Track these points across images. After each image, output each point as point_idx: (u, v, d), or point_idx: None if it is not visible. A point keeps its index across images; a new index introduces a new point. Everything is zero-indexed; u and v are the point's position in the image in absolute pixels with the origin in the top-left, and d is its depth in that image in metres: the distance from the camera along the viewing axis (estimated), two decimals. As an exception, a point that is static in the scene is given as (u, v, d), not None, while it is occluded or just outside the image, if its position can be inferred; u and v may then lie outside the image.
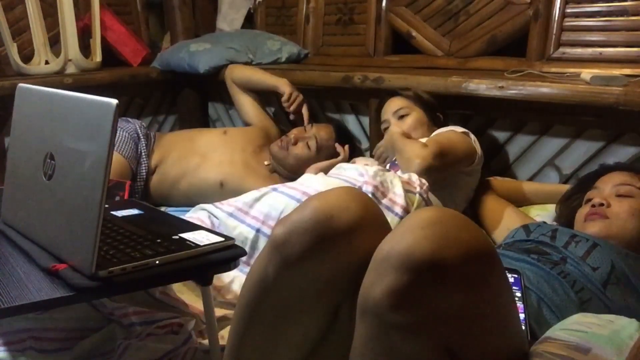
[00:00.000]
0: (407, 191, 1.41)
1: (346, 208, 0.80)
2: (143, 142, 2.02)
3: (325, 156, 1.92)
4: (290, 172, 1.92)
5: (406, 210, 1.38)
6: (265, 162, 2.01)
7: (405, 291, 0.67)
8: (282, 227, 0.82)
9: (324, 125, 2.02)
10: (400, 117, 1.75)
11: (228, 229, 1.40)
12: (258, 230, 1.39)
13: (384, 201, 1.38)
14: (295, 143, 1.92)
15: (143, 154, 2.00)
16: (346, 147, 1.95)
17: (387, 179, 1.42)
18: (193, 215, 1.49)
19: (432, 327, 0.69)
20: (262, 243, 1.37)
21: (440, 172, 1.51)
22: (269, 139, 2.10)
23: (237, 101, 2.26)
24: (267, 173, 1.98)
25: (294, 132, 1.97)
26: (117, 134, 1.93)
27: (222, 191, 1.91)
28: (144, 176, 1.99)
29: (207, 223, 1.44)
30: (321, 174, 1.56)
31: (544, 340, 0.81)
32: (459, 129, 1.66)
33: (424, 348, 0.71)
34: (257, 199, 1.45)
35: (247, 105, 2.21)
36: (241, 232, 1.39)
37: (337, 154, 1.92)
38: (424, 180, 1.46)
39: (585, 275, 1.06)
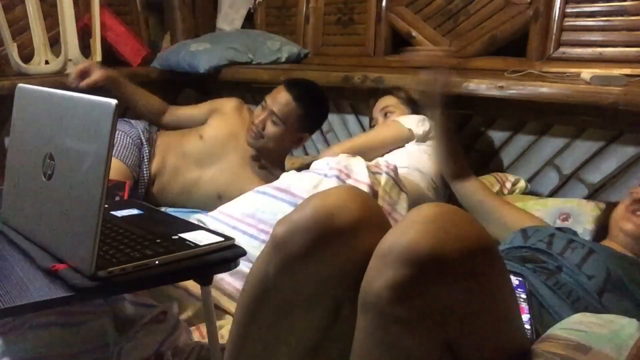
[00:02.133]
0: (374, 173, 1.44)
1: (346, 207, 0.80)
2: (146, 148, 1.96)
3: (297, 120, 1.81)
4: (275, 154, 1.89)
5: (372, 189, 1.41)
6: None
7: (406, 285, 0.68)
8: (282, 226, 0.82)
9: (275, 92, 1.84)
10: (385, 115, 1.83)
11: None
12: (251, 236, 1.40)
13: (349, 182, 1.41)
14: (264, 128, 1.81)
15: (145, 159, 1.95)
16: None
17: (350, 162, 1.46)
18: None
19: (433, 321, 0.70)
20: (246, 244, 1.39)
21: None
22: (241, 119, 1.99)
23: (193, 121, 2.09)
24: (257, 170, 1.92)
25: (256, 117, 1.84)
26: (120, 140, 1.89)
27: (221, 203, 1.86)
28: (146, 182, 1.95)
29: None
30: (293, 172, 1.56)
31: (544, 340, 0.81)
32: (411, 121, 1.75)
33: (425, 342, 0.71)
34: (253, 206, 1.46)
35: (196, 118, 2.06)
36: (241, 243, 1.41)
37: (307, 112, 1.82)
38: (390, 161, 1.50)
39: (580, 284, 1.04)
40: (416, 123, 1.76)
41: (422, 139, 1.75)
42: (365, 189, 1.39)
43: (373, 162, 1.51)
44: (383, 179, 1.45)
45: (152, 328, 1.11)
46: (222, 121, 1.98)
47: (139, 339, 1.09)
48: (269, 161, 1.91)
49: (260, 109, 1.84)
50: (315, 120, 1.89)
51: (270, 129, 1.81)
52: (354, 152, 1.61)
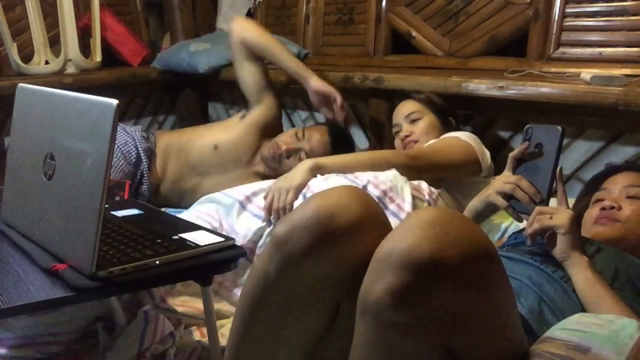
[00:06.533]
0: (416, 197, 1.41)
1: (347, 207, 0.80)
2: (145, 164, 1.88)
3: None
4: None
5: None
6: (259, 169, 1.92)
7: (405, 291, 0.67)
8: (283, 225, 0.82)
9: (316, 129, 1.82)
10: (412, 121, 1.74)
11: (233, 218, 1.42)
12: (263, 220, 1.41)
13: (392, 206, 1.37)
14: (288, 157, 1.77)
15: (145, 173, 1.88)
16: None
17: (397, 184, 1.42)
18: (202, 209, 1.50)
19: (432, 326, 0.69)
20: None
21: (419, 173, 1.50)
22: (265, 129, 1.92)
23: (238, 67, 1.95)
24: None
25: (284, 141, 1.79)
26: (115, 161, 1.80)
27: None
28: (148, 194, 1.90)
29: (216, 217, 1.46)
30: (337, 175, 1.55)
31: (544, 340, 0.81)
32: (467, 137, 1.63)
33: (424, 347, 0.71)
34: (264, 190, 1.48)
35: (249, 75, 1.93)
36: (247, 221, 1.41)
37: None
38: (433, 189, 1.46)
39: None
40: (477, 145, 1.63)
41: (487, 171, 1.64)
42: (405, 217, 1.36)
43: (416, 184, 1.45)
44: (424, 206, 1.41)
45: (128, 329, 1.12)
46: (246, 138, 1.91)
47: (120, 343, 1.10)
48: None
49: (293, 135, 1.79)
50: None
51: (293, 162, 1.73)
52: (434, 168, 1.52)
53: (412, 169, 1.47)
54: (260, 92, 1.94)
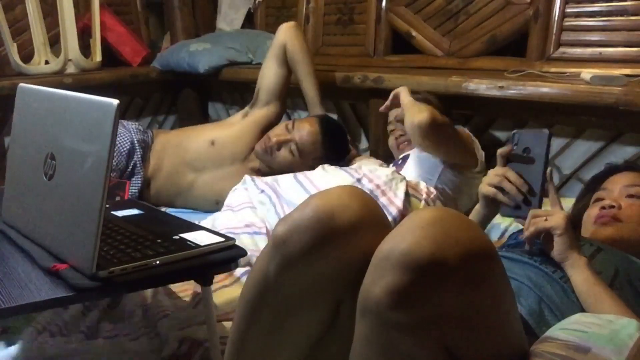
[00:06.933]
0: (412, 195, 1.42)
1: (347, 207, 0.80)
2: (139, 153, 1.90)
3: (312, 158, 1.80)
4: (277, 172, 1.84)
5: (402, 214, 1.38)
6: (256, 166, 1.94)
7: (405, 290, 0.67)
8: (283, 225, 0.82)
9: (305, 120, 1.85)
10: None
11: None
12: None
13: (382, 199, 1.39)
14: (279, 149, 1.80)
15: (138, 164, 1.89)
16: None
17: (393, 180, 1.42)
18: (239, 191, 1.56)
19: (432, 326, 0.69)
20: None
21: (436, 137, 1.49)
22: (264, 130, 1.94)
23: (268, 63, 2.01)
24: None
25: (276, 134, 1.83)
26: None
27: (218, 207, 1.79)
28: (139, 186, 1.91)
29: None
30: (333, 168, 1.56)
31: (544, 340, 0.81)
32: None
33: (424, 347, 0.71)
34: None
35: (274, 75, 1.98)
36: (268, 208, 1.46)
37: (326, 155, 1.82)
38: (432, 189, 1.46)
39: None
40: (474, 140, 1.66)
41: (480, 166, 1.65)
42: (394, 211, 1.37)
43: (414, 183, 1.46)
44: (421, 206, 1.42)
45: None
46: (243, 137, 1.94)
47: None
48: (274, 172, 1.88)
49: (284, 127, 1.83)
50: (329, 162, 1.82)
51: (284, 154, 1.79)
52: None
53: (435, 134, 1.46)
54: (273, 95, 1.99)
